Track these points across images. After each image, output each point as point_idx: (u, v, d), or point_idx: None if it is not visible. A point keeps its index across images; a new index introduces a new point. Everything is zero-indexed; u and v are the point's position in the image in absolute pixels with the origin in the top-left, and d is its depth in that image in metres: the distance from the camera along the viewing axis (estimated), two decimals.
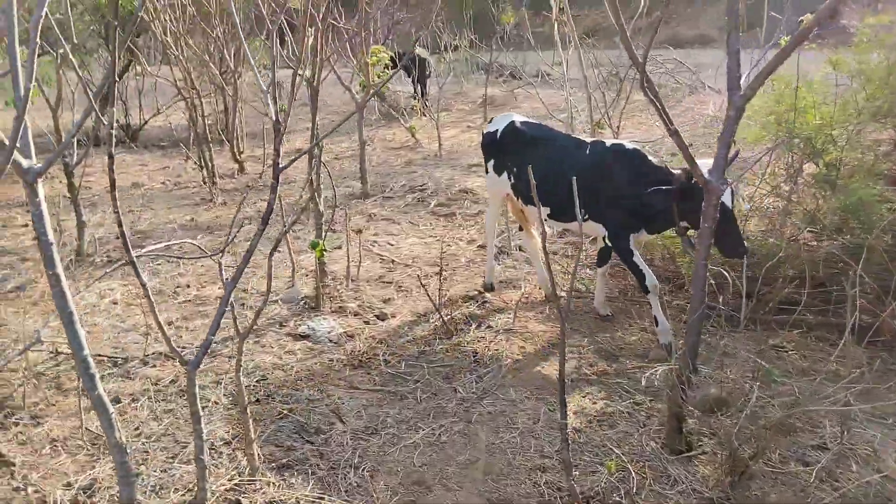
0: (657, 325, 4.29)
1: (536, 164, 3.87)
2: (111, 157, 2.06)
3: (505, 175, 4.88)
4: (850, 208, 4.25)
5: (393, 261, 6.08)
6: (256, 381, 3.91)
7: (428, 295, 4.75)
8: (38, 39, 1.73)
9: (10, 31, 1.85)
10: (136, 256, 2.27)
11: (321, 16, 4.52)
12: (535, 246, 5.15)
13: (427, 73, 12.85)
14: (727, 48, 2.93)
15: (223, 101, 9.84)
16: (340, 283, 5.43)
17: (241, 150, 9.79)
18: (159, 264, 5.50)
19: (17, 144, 1.88)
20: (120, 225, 2.12)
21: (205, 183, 8.37)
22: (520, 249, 5.88)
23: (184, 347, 4.26)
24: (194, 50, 9.16)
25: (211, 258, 2.73)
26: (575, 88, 8.98)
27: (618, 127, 7.32)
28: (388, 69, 8.98)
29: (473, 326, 4.70)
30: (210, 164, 8.34)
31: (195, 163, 8.94)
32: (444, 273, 5.73)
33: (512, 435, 3.48)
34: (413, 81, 12.81)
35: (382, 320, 4.87)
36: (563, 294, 4.79)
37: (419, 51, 12.78)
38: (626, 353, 4.32)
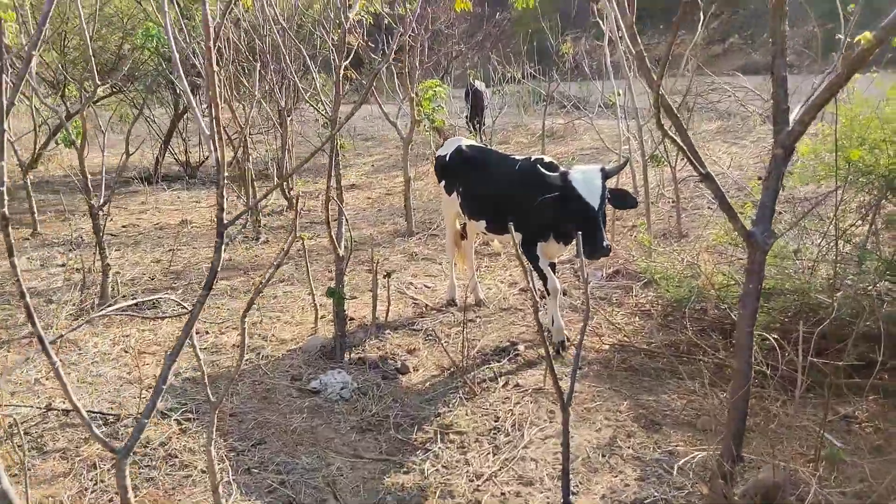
0: (552, 324, 4.63)
1: (477, 183, 5.00)
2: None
3: (454, 195, 5.27)
4: None
5: (427, 305, 5.72)
6: (252, 446, 3.59)
7: (448, 354, 4.36)
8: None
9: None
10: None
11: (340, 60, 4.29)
12: (465, 255, 5.72)
13: (484, 104, 12.57)
14: (772, 75, 2.46)
15: (282, 138, 9.81)
16: (366, 329, 5.11)
17: (292, 186, 9.71)
18: (174, 309, 5.32)
19: None
20: (23, 296, 1.84)
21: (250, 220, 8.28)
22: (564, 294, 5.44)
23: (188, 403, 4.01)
24: (249, 90, 9.16)
25: (190, 313, 2.41)
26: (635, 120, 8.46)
27: (676, 161, 6.77)
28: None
29: (500, 384, 4.27)
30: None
31: (245, 201, 8.90)
32: (477, 320, 5.34)
33: None
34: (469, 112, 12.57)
35: (403, 374, 4.49)
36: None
37: (477, 83, 12.56)
38: (669, 421, 3.78)
